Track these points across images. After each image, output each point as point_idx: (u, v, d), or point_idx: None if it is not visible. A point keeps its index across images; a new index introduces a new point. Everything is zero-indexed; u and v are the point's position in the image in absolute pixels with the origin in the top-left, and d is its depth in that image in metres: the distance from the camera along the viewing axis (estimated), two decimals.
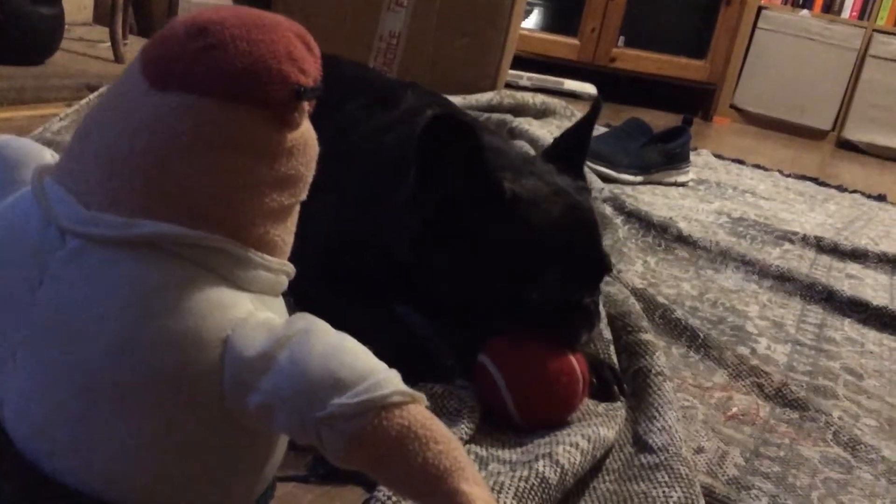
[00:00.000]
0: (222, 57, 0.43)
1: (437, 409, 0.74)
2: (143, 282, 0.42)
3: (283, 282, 0.48)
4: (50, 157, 0.53)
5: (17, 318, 0.43)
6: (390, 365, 0.43)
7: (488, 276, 0.79)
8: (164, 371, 0.41)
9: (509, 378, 0.75)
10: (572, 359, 0.77)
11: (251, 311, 0.44)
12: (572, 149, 0.91)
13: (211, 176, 0.43)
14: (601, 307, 0.85)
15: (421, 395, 0.42)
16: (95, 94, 1.57)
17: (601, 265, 0.83)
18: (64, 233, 0.43)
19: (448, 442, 0.41)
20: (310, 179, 0.48)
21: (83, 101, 1.53)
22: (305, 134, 0.47)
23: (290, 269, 0.48)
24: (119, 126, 0.44)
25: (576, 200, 0.82)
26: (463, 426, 0.73)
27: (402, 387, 0.41)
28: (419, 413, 0.41)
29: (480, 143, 0.77)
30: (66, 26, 1.74)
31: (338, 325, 0.45)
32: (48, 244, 0.43)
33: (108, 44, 1.87)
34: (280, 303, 0.48)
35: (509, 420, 0.76)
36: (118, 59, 1.86)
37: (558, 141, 0.93)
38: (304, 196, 0.48)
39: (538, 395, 0.76)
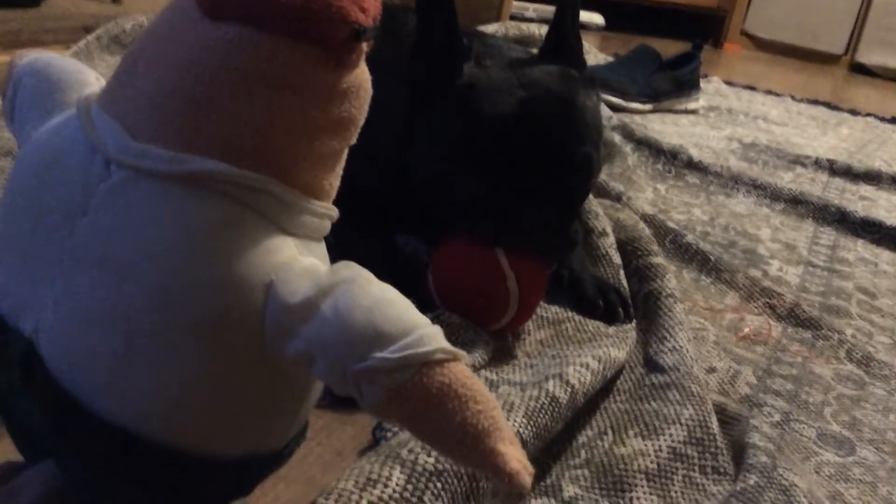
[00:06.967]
0: None
1: (454, 339, 0.73)
2: (190, 220, 0.40)
3: (327, 226, 0.46)
4: (94, 79, 0.51)
5: (60, 245, 0.42)
6: None
7: (432, 158, 0.78)
8: (207, 314, 0.40)
9: (438, 279, 0.78)
10: (502, 269, 0.74)
11: (295, 256, 0.43)
12: (563, 39, 0.85)
13: (262, 114, 0.41)
14: (586, 219, 0.82)
15: (463, 353, 0.41)
16: (93, 35, 1.55)
17: (555, 166, 0.75)
18: (110, 163, 0.42)
19: (487, 402, 0.40)
20: (361, 124, 0.46)
21: (81, 44, 1.51)
22: (360, 76, 0.45)
23: (335, 212, 0.46)
24: (168, 55, 0.42)
25: (542, 93, 0.76)
26: (477, 355, 0.73)
27: (445, 344, 0.41)
28: (460, 371, 0.40)
29: (455, 13, 0.79)
30: None
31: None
32: (93, 173, 0.42)
33: None
34: (322, 247, 0.47)
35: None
36: None
37: (549, 36, 0.87)
38: (353, 140, 0.46)
39: (461, 300, 0.77)
